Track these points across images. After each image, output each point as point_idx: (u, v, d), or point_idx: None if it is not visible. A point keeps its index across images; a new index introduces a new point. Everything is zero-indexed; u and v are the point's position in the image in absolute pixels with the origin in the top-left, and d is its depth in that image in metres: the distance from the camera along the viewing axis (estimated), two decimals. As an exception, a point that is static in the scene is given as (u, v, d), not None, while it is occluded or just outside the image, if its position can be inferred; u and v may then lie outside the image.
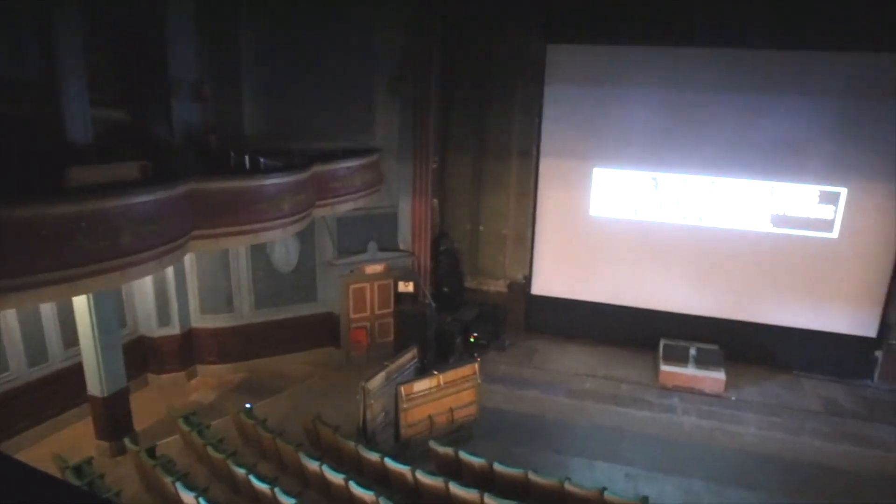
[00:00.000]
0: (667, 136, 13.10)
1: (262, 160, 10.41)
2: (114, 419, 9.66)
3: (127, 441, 9.03)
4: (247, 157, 10.39)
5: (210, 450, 8.51)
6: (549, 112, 13.63)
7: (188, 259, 11.53)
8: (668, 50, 12.71)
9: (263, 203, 9.54)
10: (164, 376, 11.99)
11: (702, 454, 10.57)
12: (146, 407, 10.78)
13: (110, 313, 9.53)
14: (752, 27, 12.03)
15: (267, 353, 12.79)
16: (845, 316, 13.02)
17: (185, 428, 9.21)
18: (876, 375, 13.02)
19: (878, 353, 12.95)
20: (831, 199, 12.54)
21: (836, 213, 12.57)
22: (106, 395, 9.50)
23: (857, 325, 13.00)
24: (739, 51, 12.31)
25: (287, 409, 11.16)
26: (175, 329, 11.91)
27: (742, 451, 10.74)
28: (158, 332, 11.81)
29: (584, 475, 9.56)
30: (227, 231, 9.32)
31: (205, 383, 12.23)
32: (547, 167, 13.93)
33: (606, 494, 7.76)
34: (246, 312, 12.51)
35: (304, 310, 13.05)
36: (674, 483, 9.69)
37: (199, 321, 12.25)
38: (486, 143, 14.00)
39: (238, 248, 11.79)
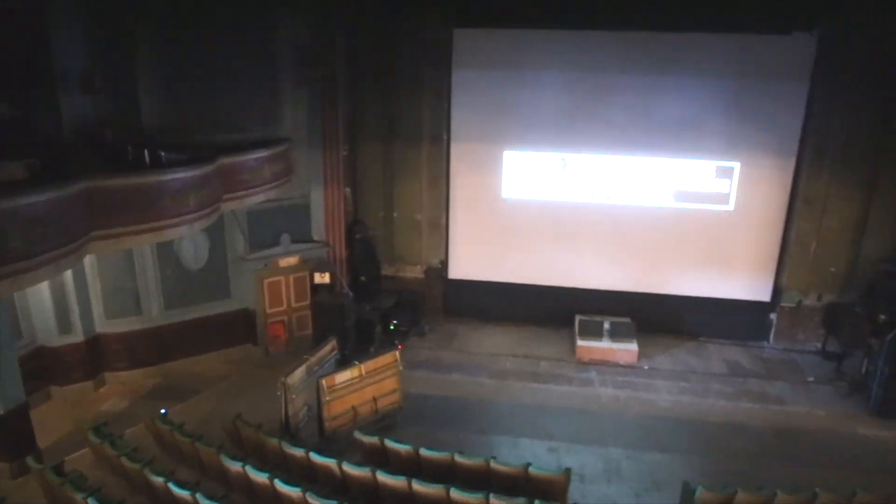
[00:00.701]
0: (573, 118, 13.44)
1: (163, 154, 9.94)
2: (13, 438, 9.02)
3: (30, 460, 8.46)
4: (146, 152, 9.89)
5: (124, 460, 8.12)
6: (458, 97, 13.70)
7: (88, 261, 10.90)
8: (571, 33, 13.01)
9: (167, 199, 9.10)
10: (69, 387, 11.29)
11: (619, 423, 11.04)
12: (50, 422, 10.15)
13: (2, 324, 8.89)
14: (650, 10, 12.48)
15: (181, 355, 12.31)
16: (743, 283, 13.87)
17: (96, 440, 8.74)
18: (771, 337, 13.98)
19: (773, 316, 13.89)
20: (727, 173, 13.27)
21: (731, 187, 13.32)
22: (2, 413, 8.87)
23: (754, 290, 13.88)
24: (639, 34, 12.77)
25: (206, 412, 10.80)
26: (78, 336, 11.24)
27: (655, 416, 11.30)
28: (59, 340, 11.11)
29: (509, 453, 9.79)
30: (129, 230, 8.83)
31: (115, 391, 11.62)
32: (458, 151, 14.02)
33: (531, 469, 7.97)
34: (155, 314, 11.97)
35: (218, 307, 12.63)
36: (594, 452, 10.07)
37: (104, 326, 11.62)
38: (396, 129, 13.92)
39: (142, 247, 11.23)
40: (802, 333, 13.78)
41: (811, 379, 12.61)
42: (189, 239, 11.75)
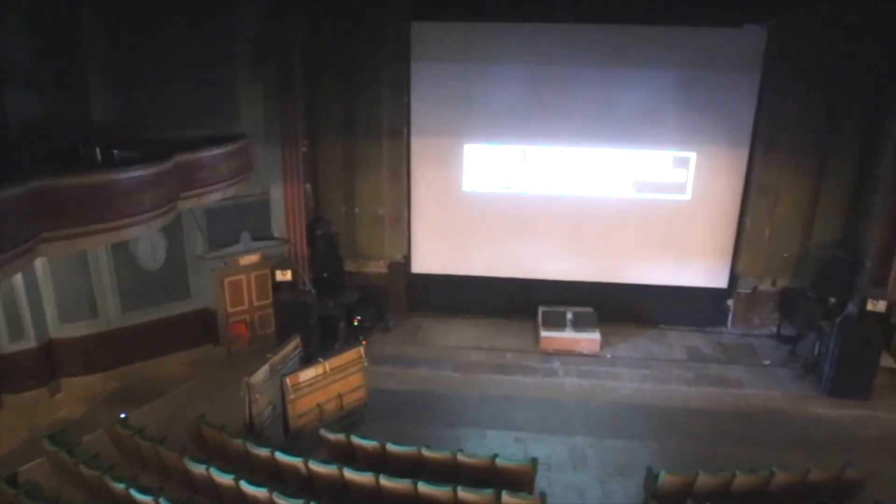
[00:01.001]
0: (533, 110, 13.52)
1: (115, 152, 9.68)
2: (-35, 448, 8.75)
3: (-19, 470, 8.20)
4: (98, 150, 9.62)
5: (83, 468, 7.92)
6: (417, 90, 13.64)
7: (40, 264, 10.58)
8: (529, 26, 13.05)
9: (121, 198, 8.88)
10: (23, 395, 10.94)
11: (583, 411, 11.20)
12: (3, 431, 9.83)
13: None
14: (606, 4, 12.63)
15: (140, 358, 12.04)
16: (700, 270, 14.17)
17: (52, 448, 8.50)
18: (729, 322, 14.33)
19: (730, 302, 14.24)
20: (683, 163, 13.52)
21: (688, 177, 13.57)
22: (-48, 422, 8.59)
23: (711, 277, 14.19)
24: (596, 26, 12.90)
25: (168, 415, 10.58)
26: (31, 342, 10.89)
27: (619, 403, 11.49)
28: (11, 347, 10.76)
29: (476, 445, 9.86)
30: (82, 231, 8.62)
31: (72, 398, 11.31)
32: (419, 145, 13.98)
33: (498, 461, 8.04)
34: (113, 317, 11.67)
35: (178, 308, 12.40)
36: (559, 441, 10.20)
37: (59, 331, 11.29)
38: (355, 124, 13.80)
39: (97, 248, 10.94)
40: (758, 318, 14.17)
41: (767, 362, 12.98)
42: (146, 239, 11.48)
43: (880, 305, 11.27)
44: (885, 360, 11.67)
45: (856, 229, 13.13)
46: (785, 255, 13.64)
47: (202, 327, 12.71)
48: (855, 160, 12.93)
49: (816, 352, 12.24)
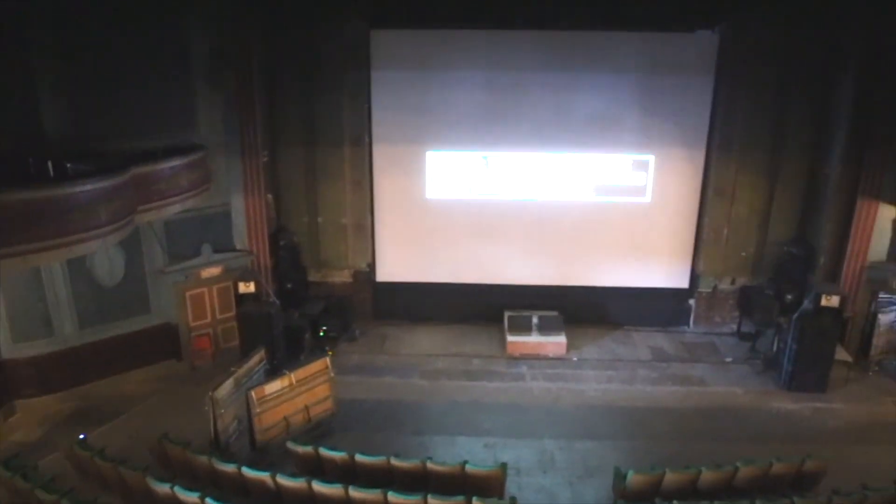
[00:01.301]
0: (494, 116, 13.61)
1: (69, 165, 9.43)
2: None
3: (-68, 499, 7.89)
4: (50, 163, 9.37)
5: (39, 492, 7.66)
6: (378, 98, 13.62)
7: (-10, 282, 10.25)
8: (488, 33, 13.16)
9: (75, 212, 8.65)
10: (-25, 419, 10.60)
11: (551, 414, 11.28)
12: (-45, 456, 9.46)
13: None
14: (563, 10, 12.77)
15: (100, 376, 11.72)
16: (662, 271, 14.42)
17: (6, 474, 8.18)
18: (691, 321, 14.61)
19: (691, 301, 14.52)
20: (642, 166, 13.75)
21: (647, 180, 13.81)
22: None
23: (673, 278, 14.45)
24: (554, 33, 13.05)
25: (129, 434, 10.30)
26: (-18, 363, 10.57)
27: (586, 405, 11.60)
28: (-39, 369, 10.42)
29: (445, 452, 9.84)
30: (35, 247, 8.37)
31: (27, 420, 10.93)
32: (381, 153, 13.95)
33: (467, 467, 8.04)
34: (69, 334, 11.35)
35: (138, 324, 12.11)
36: (529, 445, 10.25)
37: (11, 351, 10.93)
38: (316, 132, 13.70)
39: (51, 264, 10.63)
40: (719, 316, 14.48)
41: (729, 359, 13.25)
42: (102, 253, 11.20)
43: (834, 300, 11.58)
44: (840, 354, 12.01)
45: (809, 227, 13.52)
46: (743, 253, 13.97)
47: (164, 343, 12.44)
48: (806, 159, 13.33)
49: (775, 347, 12.54)
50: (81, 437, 9.16)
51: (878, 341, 12.65)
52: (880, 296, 12.69)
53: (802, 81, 12.84)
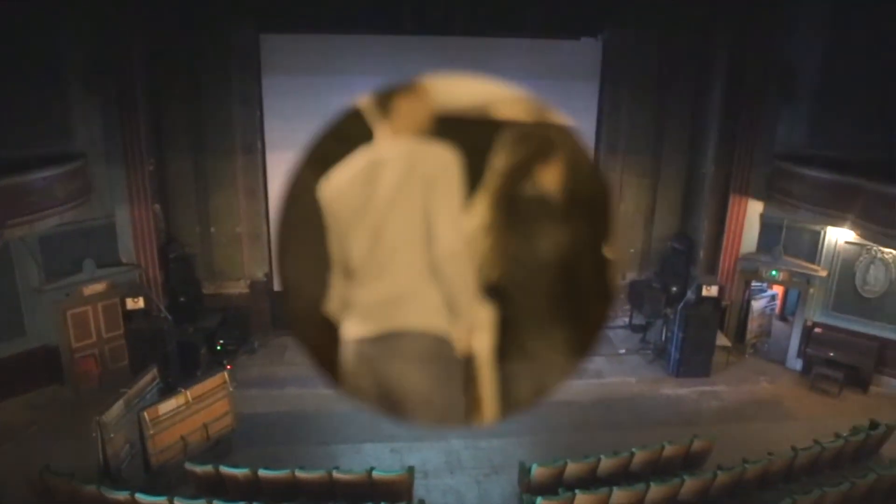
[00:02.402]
0: (387, 122, 13.59)
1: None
2: None
3: None
4: None
5: None
6: (270, 105, 13.28)
7: None
8: (379, 38, 13.12)
9: (-66, 230, 7.94)
10: None
11: (456, 415, 11.38)
12: None
13: None
14: (453, 15, 12.99)
15: (-32, 407, 10.77)
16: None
17: None
18: (587, 316, 15.18)
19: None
20: (536, 170, 14.16)
21: (540, 181, 14.24)
22: None
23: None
24: (444, 38, 13.20)
25: (5, 468, 9.49)
26: None
27: (490, 404, 11.79)
28: None
29: (351, 460, 9.74)
30: None
31: None
32: (275, 161, 13.58)
33: (374, 474, 8.01)
34: (-70, 364, 10.37)
35: (12, 348, 11.20)
36: (435, 447, 10.31)
37: None
38: (206, 140, 13.19)
39: None
40: (612, 310, 15.14)
41: (623, 351, 13.90)
42: (-32, 274, 10.31)
43: (713, 290, 12.45)
44: (720, 339, 12.93)
45: (689, 223, 14.44)
46: (631, 250, 14.71)
47: (43, 367, 11.57)
48: (684, 160, 14.24)
49: (664, 337, 13.30)
50: (-51, 475, 8.37)
51: (752, 325, 13.70)
52: (753, 284, 13.77)
53: (679, 87, 13.72)
